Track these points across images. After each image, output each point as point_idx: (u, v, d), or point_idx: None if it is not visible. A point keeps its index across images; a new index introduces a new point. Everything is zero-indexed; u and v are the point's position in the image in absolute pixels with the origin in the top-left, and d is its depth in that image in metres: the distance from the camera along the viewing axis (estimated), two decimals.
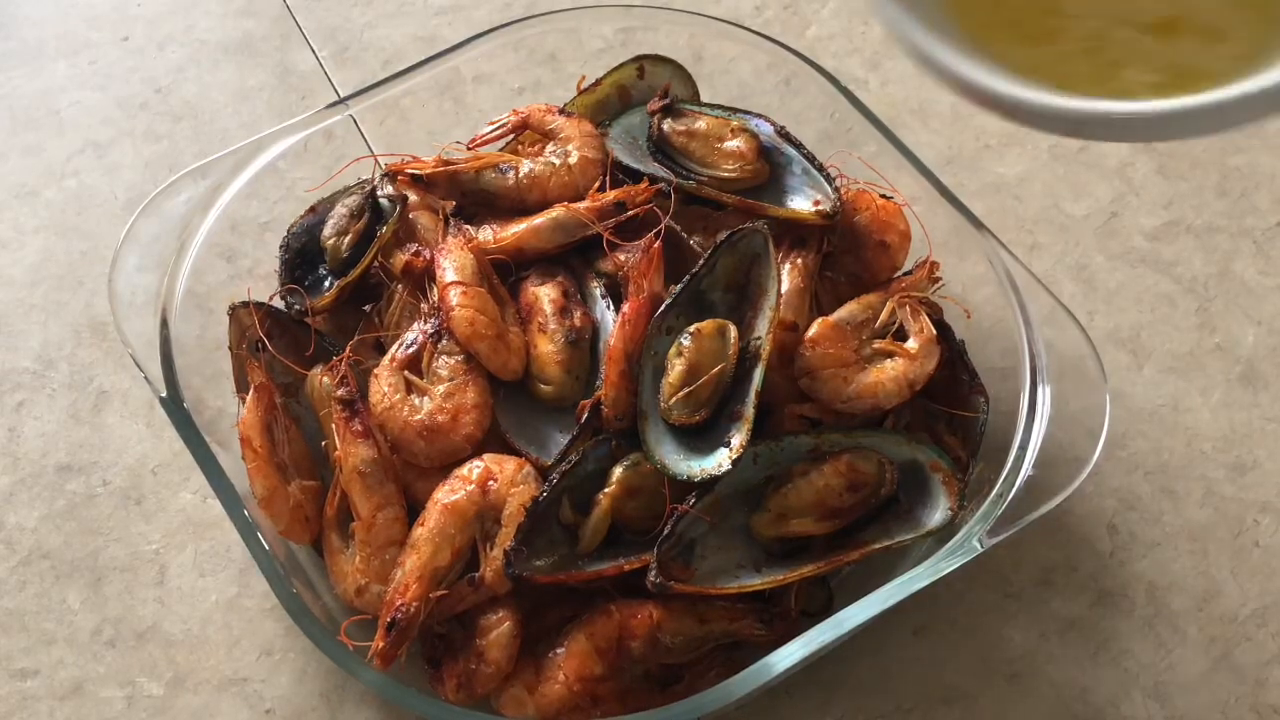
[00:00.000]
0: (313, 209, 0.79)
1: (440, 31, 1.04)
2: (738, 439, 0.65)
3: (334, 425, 0.69)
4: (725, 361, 0.66)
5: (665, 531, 0.64)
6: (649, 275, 0.69)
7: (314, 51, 1.03)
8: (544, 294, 0.72)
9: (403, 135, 0.84)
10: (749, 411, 0.65)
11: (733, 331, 0.67)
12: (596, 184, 0.76)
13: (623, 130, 0.79)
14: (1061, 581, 0.74)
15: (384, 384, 0.70)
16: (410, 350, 0.71)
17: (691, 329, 0.67)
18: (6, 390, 0.84)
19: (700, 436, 0.66)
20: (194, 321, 0.73)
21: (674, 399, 0.66)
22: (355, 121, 0.87)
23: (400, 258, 0.75)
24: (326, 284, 0.76)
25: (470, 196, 0.78)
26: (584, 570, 0.64)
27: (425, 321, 0.72)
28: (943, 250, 0.75)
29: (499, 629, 0.64)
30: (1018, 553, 0.75)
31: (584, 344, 0.71)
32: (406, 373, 0.70)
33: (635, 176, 0.76)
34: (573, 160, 0.77)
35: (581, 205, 0.74)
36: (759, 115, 0.77)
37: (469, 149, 0.82)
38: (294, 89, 1.00)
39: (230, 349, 0.74)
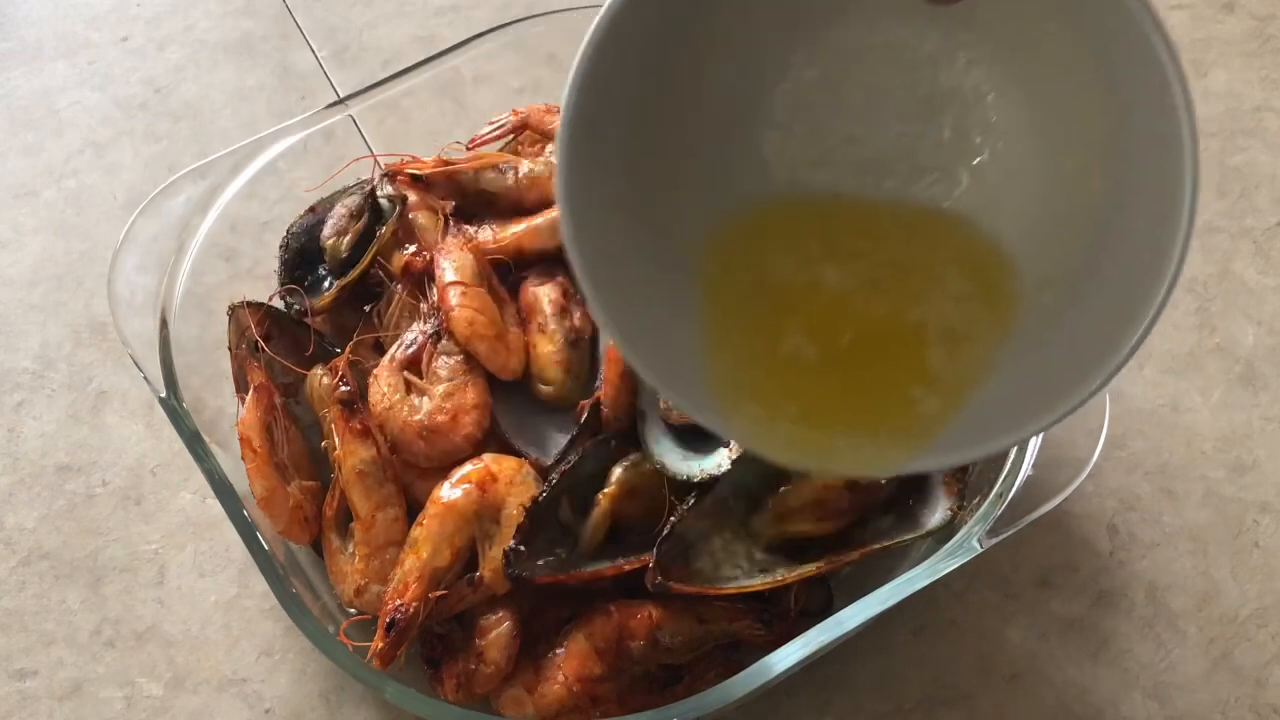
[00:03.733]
0: (312, 209, 0.79)
1: (440, 31, 1.03)
2: None
3: (333, 425, 0.69)
4: None
5: (665, 531, 0.64)
6: None
7: (313, 51, 1.03)
8: (544, 294, 0.72)
9: (402, 135, 0.84)
10: None
11: None
12: None
13: None
14: (1061, 582, 0.74)
15: (383, 384, 0.70)
16: (410, 350, 0.71)
17: None
18: (6, 390, 0.84)
19: (700, 436, 0.66)
20: (194, 321, 0.73)
21: None
22: (355, 121, 0.87)
23: (400, 258, 0.75)
24: (326, 284, 0.76)
25: (470, 197, 0.78)
26: (584, 570, 0.64)
27: (425, 322, 0.71)
28: None
29: (498, 629, 0.64)
30: (1018, 553, 0.75)
31: (584, 344, 0.71)
32: (406, 373, 0.70)
33: None
34: None
35: None
36: None
37: (469, 149, 0.81)
38: (293, 89, 1.00)
39: (230, 349, 0.74)
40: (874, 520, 0.67)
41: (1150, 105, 0.36)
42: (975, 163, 0.44)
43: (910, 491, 0.67)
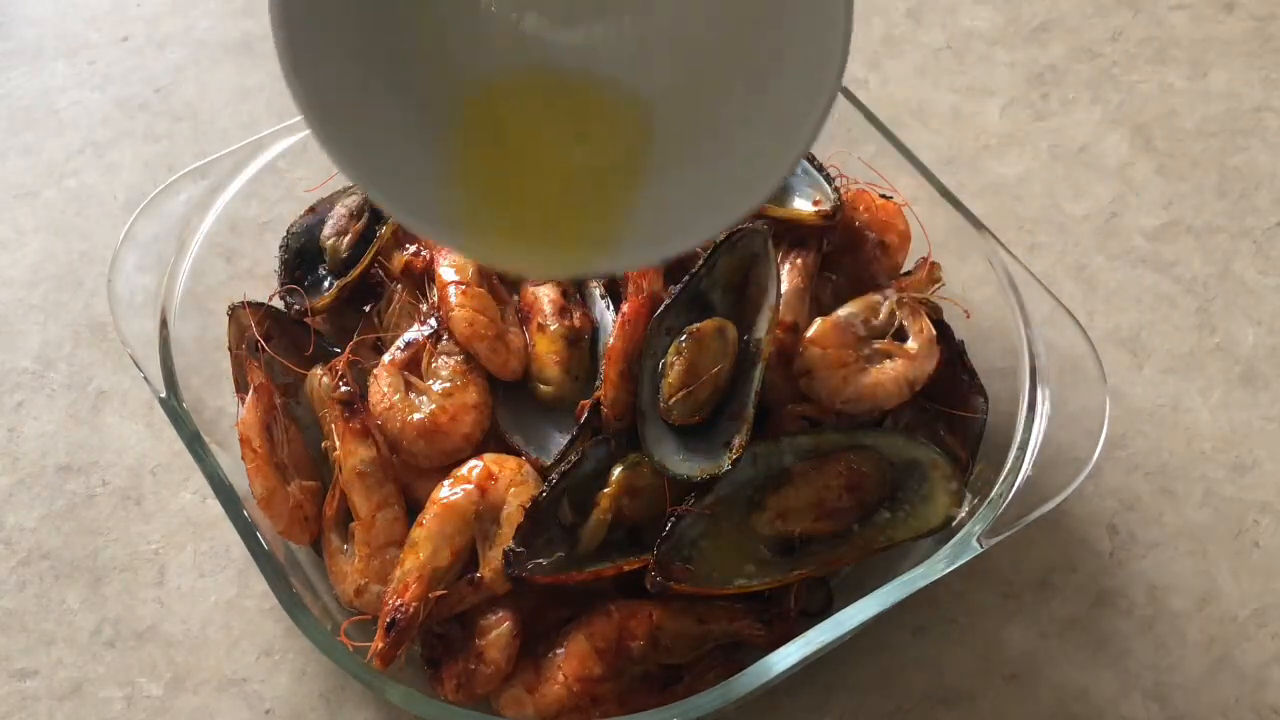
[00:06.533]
0: (312, 209, 0.79)
1: None
2: (737, 439, 0.65)
3: (333, 425, 0.69)
4: (724, 362, 0.66)
5: (665, 532, 0.64)
6: (648, 275, 0.69)
7: None
8: (543, 294, 0.72)
9: None
10: (749, 412, 0.65)
11: (732, 332, 0.67)
12: None
13: None
14: (1061, 582, 0.74)
15: (383, 384, 0.70)
16: (410, 350, 0.71)
17: (691, 329, 0.67)
18: (6, 390, 0.84)
19: (700, 436, 0.66)
20: (194, 321, 0.73)
21: (673, 399, 0.66)
22: None
23: (400, 258, 0.75)
24: (326, 284, 0.76)
25: None
26: (583, 570, 0.64)
27: (424, 322, 0.72)
28: (943, 250, 0.75)
29: (498, 629, 0.64)
30: (1018, 553, 0.75)
31: (583, 344, 0.71)
32: (406, 373, 0.70)
33: None
34: None
35: None
36: None
37: None
38: None
39: (230, 349, 0.74)
40: (874, 519, 0.67)
41: None
42: None
43: (910, 491, 0.67)
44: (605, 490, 0.65)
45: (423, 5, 0.51)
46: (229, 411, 0.73)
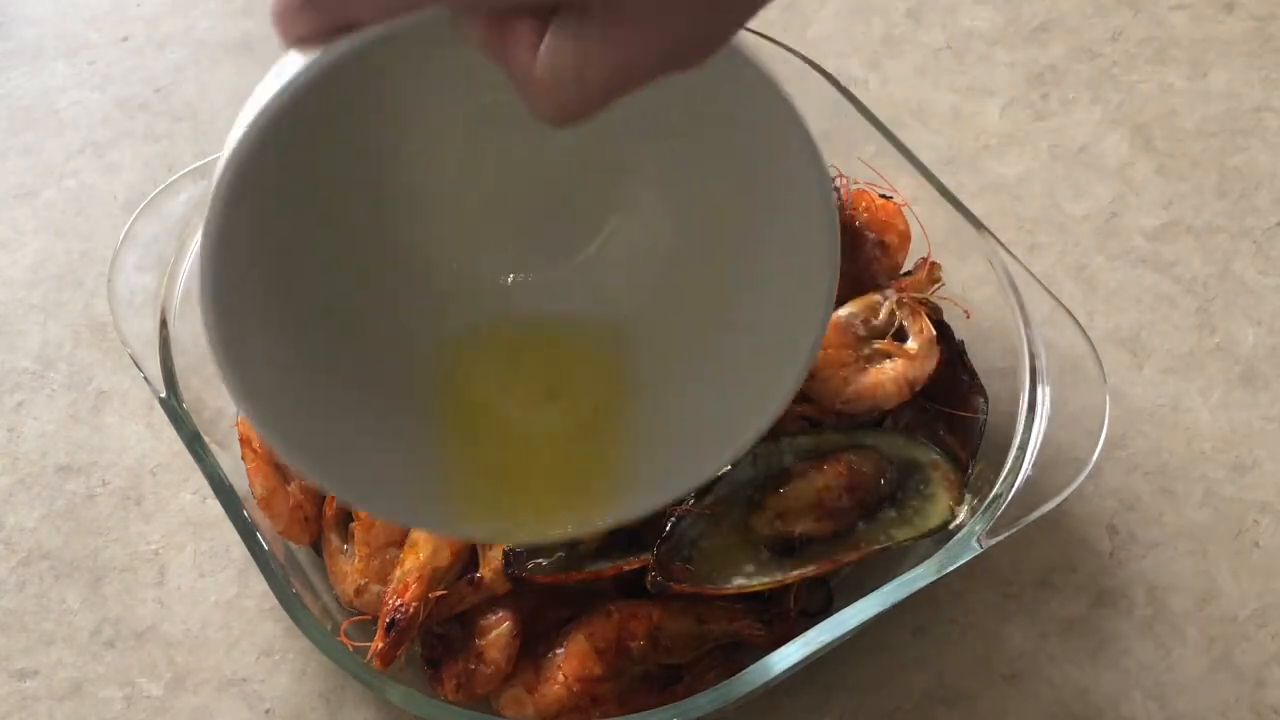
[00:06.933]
0: None
1: None
2: None
3: None
4: None
5: (665, 532, 0.64)
6: None
7: None
8: None
9: None
10: None
11: None
12: None
13: None
14: (1061, 582, 0.74)
15: None
16: None
17: None
18: (6, 390, 0.84)
19: None
20: (194, 321, 0.73)
21: None
22: None
23: None
24: None
25: None
26: (583, 570, 0.64)
27: None
28: (943, 250, 0.75)
29: (498, 629, 0.64)
30: (1017, 553, 0.75)
31: None
32: None
33: None
34: None
35: None
36: None
37: None
38: None
39: None
40: (874, 519, 0.67)
41: (796, 204, 0.40)
42: (612, 235, 0.48)
43: (910, 491, 0.67)
44: None
45: (352, 280, 0.46)
46: (229, 411, 0.73)
